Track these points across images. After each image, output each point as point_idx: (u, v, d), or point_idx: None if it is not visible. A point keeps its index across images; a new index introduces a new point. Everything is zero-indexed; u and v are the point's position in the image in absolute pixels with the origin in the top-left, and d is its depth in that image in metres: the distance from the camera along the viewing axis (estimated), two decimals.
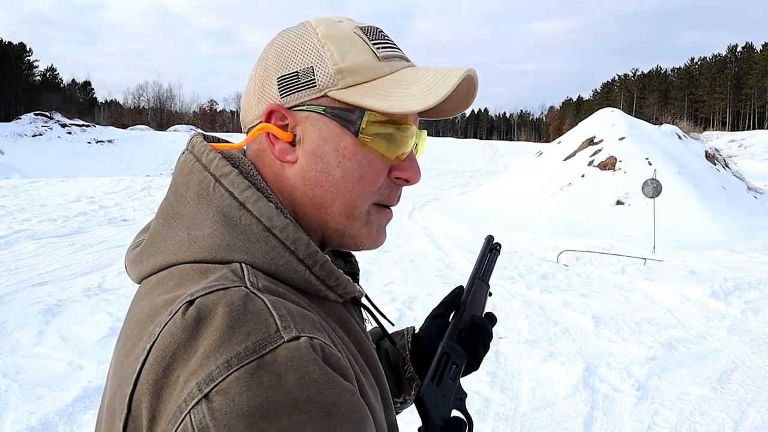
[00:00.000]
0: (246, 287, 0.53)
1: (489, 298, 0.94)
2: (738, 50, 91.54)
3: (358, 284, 0.76)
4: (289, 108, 0.65)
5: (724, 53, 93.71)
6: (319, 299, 0.62)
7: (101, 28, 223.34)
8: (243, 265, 0.57)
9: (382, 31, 0.69)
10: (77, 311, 4.85)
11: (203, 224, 0.59)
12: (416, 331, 0.94)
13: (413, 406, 0.84)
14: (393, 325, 0.88)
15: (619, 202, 11.20)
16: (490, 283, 0.96)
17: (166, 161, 38.87)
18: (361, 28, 0.67)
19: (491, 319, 0.91)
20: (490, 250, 0.97)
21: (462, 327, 0.87)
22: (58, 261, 6.80)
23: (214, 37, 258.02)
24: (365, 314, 0.78)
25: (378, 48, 0.66)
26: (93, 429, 2.95)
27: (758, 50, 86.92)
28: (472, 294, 0.91)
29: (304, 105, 0.64)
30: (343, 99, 0.63)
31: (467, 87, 0.69)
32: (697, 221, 10.12)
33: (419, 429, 0.79)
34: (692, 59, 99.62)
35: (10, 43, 65.52)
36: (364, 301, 0.76)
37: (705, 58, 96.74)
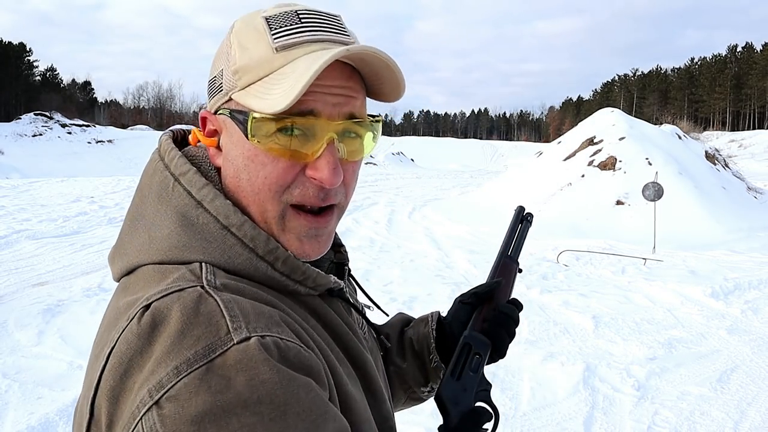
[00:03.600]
0: (202, 286, 0.52)
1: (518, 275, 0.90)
2: (738, 50, 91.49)
3: (346, 274, 0.75)
4: (214, 113, 0.64)
5: (724, 53, 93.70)
6: (288, 293, 0.60)
7: (103, 28, 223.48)
8: (202, 264, 0.56)
9: (298, 13, 0.61)
10: (77, 311, 4.85)
11: (162, 225, 0.58)
12: (442, 316, 0.91)
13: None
14: (387, 315, 0.86)
15: (619, 202, 11.19)
16: (520, 259, 0.91)
17: None
18: (269, 17, 0.61)
19: (516, 304, 0.87)
20: (521, 221, 0.91)
21: (485, 316, 0.84)
22: (58, 261, 6.80)
23: (216, 37, 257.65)
24: (366, 301, 0.78)
25: (277, 37, 0.59)
26: None
27: (758, 50, 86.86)
28: (499, 274, 0.88)
29: (220, 109, 0.63)
30: (239, 101, 0.60)
31: (387, 65, 0.60)
32: (697, 221, 10.12)
33: (439, 428, 0.76)
34: (692, 59, 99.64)
35: (10, 43, 65.44)
36: (360, 295, 0.77)
37: (705, 58, 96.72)
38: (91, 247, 7.66)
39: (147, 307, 0.51)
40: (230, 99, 0.61)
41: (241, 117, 0.59)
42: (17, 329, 4.37)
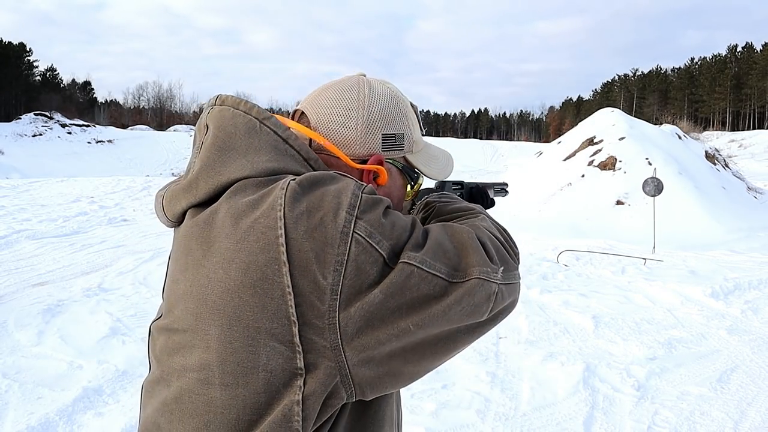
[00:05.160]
0: None
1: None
2: (738, 50, 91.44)
3: None
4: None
5: (724, 53, 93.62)
6: None
7: (104, 28, 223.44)
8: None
9: (413, 106, 0.92)
10: (77, 311, 4.85)
11: (259, 153, 0.73)
12: None
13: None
14: None
15: (619, 202, 11.20)
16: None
17: (166, 161, 38.88)
18: (412, 105, 0.91)
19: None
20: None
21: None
22: (58, 261, 6.80)
23: (216, 37, 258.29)
24: None
25: (420, 126, 0.91)
26: (93, 429, 2.94)
27: (758, 50, 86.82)
28: None
29: (392, 159, 0.87)
30: (412, 161, 0.90)
31: None
32: (697, 221, 10.12)
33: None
34: (692, 59, 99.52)
35: (10, 43, 65.32)
36: None
37: (705, 58, 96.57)
38: (91, 247, 7.66)
39: (293, 180, 0.68)
40: (404, 157, 0.88)
41: (412, 173, 0.90)
42: (17, 329, 4.37)
